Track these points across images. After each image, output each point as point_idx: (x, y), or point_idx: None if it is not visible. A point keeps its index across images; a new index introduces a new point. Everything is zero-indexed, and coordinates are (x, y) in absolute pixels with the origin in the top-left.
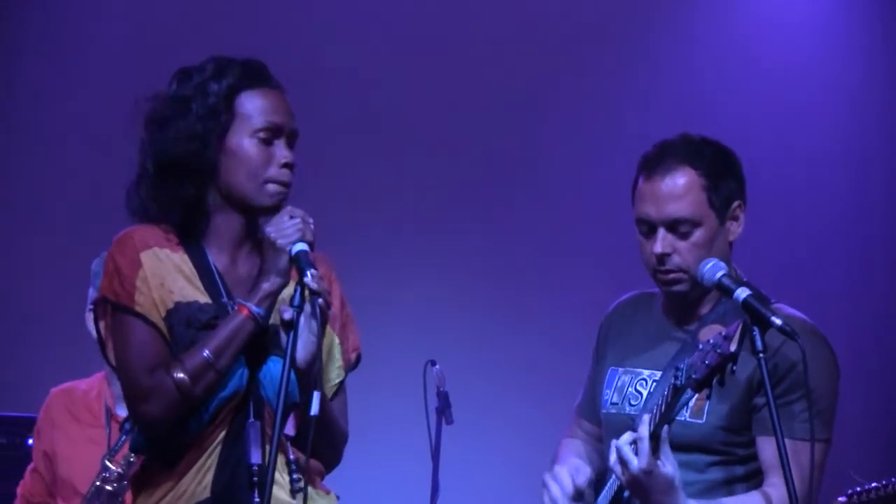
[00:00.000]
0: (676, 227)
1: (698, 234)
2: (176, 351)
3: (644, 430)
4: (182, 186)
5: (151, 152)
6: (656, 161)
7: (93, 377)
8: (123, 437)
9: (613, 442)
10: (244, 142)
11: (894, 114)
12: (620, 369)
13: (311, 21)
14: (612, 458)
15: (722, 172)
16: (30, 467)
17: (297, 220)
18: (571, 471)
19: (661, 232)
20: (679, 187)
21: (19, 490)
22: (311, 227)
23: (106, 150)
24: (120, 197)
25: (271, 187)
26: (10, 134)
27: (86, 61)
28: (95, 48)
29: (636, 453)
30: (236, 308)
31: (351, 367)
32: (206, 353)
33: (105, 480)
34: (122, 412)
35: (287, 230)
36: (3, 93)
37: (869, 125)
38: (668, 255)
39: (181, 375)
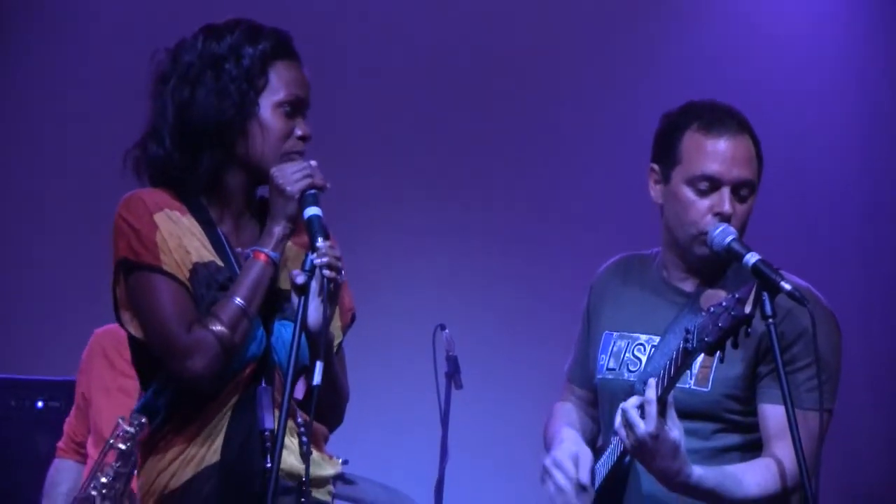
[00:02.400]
0: (739, 189)
1: (751, 201)
2: (202, 311)
3: (651, 393)
4: (206, 151)
5: (176, 111)
6: (720, 121)
7: None
8: None
9: (621, 405)
10: (269, 111)
11: None
12: (615, 334)
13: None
14: (618, 420)
15: (760, 147)
16: (75, 405)
17: (304, 164)
18: (572, 451)
19: (728, 192)
20: (748, 150)
21: (65, 426)
22: (319, 172)
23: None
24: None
25: (289, 159)
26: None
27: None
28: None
29: (642, 417)
30: (252, 255)
31: (347, 326)
32: (237, 300)
33: (118, 438)
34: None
35: (294, 175)
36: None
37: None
38: (731, 215)
39: (219, 327)
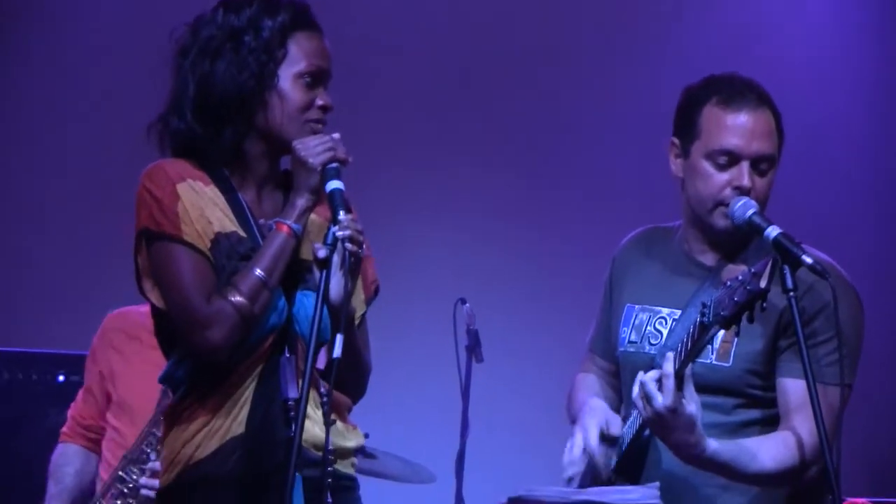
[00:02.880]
0: (759, 163)
1: (771, 175)
2: (219, 282)
3: (669, 367)
4: (224, 120)
5: (196, 84)
6: (740, 94)
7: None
8: None
9: (639, 376)
10: (290, 82)
11: None
12: (637, 307)
13: None
14: (636, 392)
15: (781, 121)
16: (82, 389)
17: (327, 137)
18: (599, 417)
19: (747, 166)
20: (768, 124)
21: (70, 412)
22: (342, 145)
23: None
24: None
25: (310, 128)
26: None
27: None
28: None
29: (660, 390)
30: (275, 227)
31: (371, 298)
32: (258, 272)
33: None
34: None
35: (316, 148)
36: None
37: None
38: (750, 189)
39: (239, 298)
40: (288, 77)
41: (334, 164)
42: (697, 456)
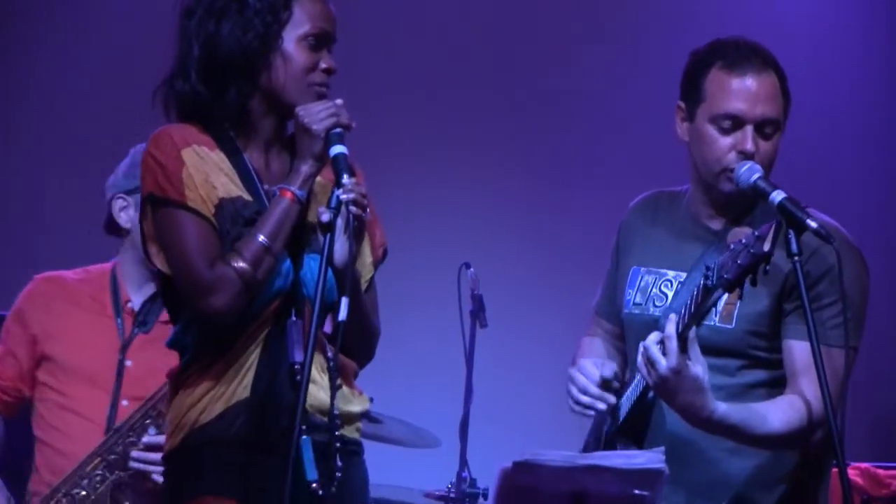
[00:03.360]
0: (763, 127)
1: (776, 138)
2: (223, 247)
3: (671, 328)
4: (232, 84)
5: (201, 45)
6: (745, 58)
7: (79, 270)
8: (136, 331)
9: (641, 342)
10: (294, 44)
11: None
12: (643, 269)
13: None
14: (639, 358)
15: (787, 84)
16: (1, 351)
17: (330, 103)
18: (597, 363)
19: (750, 130)
20: (773, 88)
21: None
22: (345, 111)
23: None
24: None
25: (314, 90)
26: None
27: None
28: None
29: (664, 353)
30: (279, 193)
31: (379, 262)
32: (261, 237)
33: None
34: (136, 305)
35: (319, 114)
36: None
37: None
38: (754, 153)
39: (241, 264)
40: (292, 39)
41: (338, 130)
42: (706, 418)
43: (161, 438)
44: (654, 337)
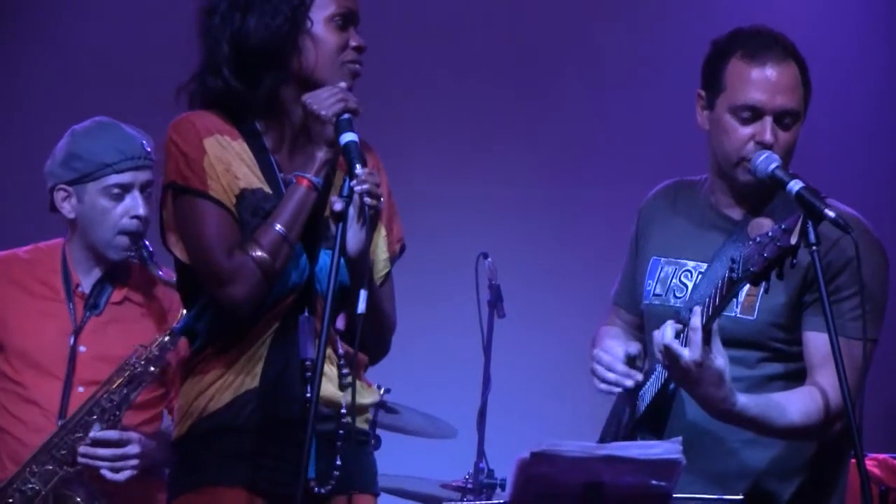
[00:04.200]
0: (782, 118)
1: (796, 129)
2: (245, 237)
3: (697, 321)
4: (262, 70)
5: (229, 40)
6: (765, 47)
7: (31, 247)
8: (88, 315)
9: (660, 339)
10: (322, 25)
11: None
12: (663, 259)
13: None
14: (659, 354)
15: (808, 73)
16: None
17: (336, 88)
18: (621, 342)
19: (769, 121)
20: (793, 78)
21: None
22: (352, 95)
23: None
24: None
25: (348, 68)
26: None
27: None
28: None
29: (684, 345)
30: (295, 181)
31: (396, 256)
32: (278, 227)
33: (133, 365)
34: (86, 288)
35: (327, 100)
36: None
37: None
38: (772, 144)
39: (260, 253)
40: (320, 20)
41: (347, 116)
42: (727, 410)
43: (107, 433)
44: (670, 332)
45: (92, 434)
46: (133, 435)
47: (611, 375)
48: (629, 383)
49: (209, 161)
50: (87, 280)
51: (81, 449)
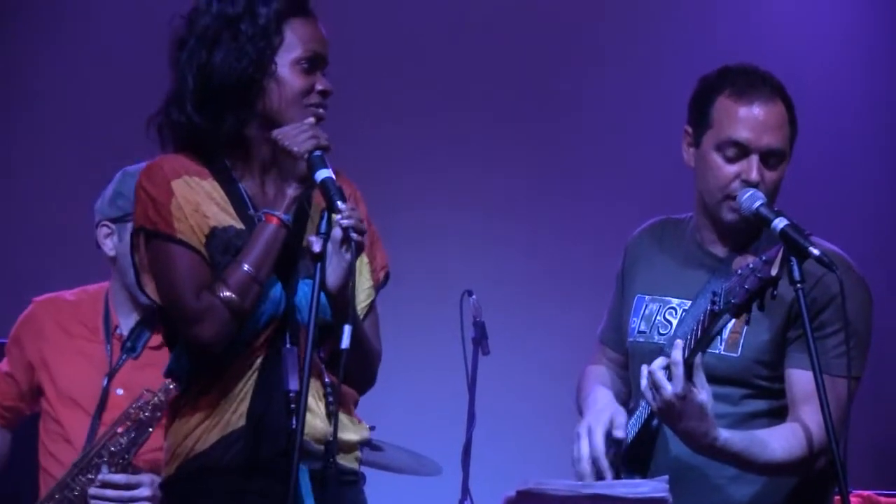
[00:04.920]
0: (768, 157)
1: (781, 168)
2: (214, 276)
3: (678, 354)
4: (225, 109)
5: (195, 75)
6: (754, 86)
7: (78, 290)
8: (124, 357)
9: (646, 367)
10: (287, 68)
11: None
12: (648, 297)
13: None
14: (644, 382)
15: (795, 113)
16: (2, 369)
17: (304, 125)
18: (605, 422)
19: (756, 159)
20: (781, 118)
21: None
22: (322, 132)
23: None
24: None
25: (311, 111)
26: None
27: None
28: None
29: (669, 378)
30: (264, 219)
31: (380, 285)
32: (245, 266)
33: (140, 409)
34: (124, 330)
35: (299, 136)
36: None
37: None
38: (758, 182)
39: (228, 294)
40: (286, 63)
41: (318, 153)
42: (709, 445)
43: (115, 476)
44: (660, 362)
45: (100, 476)
46: (144, 478)
47: (588, 468)
48: (607, 477)
49: (177, 203)
50: (126, 322)
51: (91, 490)
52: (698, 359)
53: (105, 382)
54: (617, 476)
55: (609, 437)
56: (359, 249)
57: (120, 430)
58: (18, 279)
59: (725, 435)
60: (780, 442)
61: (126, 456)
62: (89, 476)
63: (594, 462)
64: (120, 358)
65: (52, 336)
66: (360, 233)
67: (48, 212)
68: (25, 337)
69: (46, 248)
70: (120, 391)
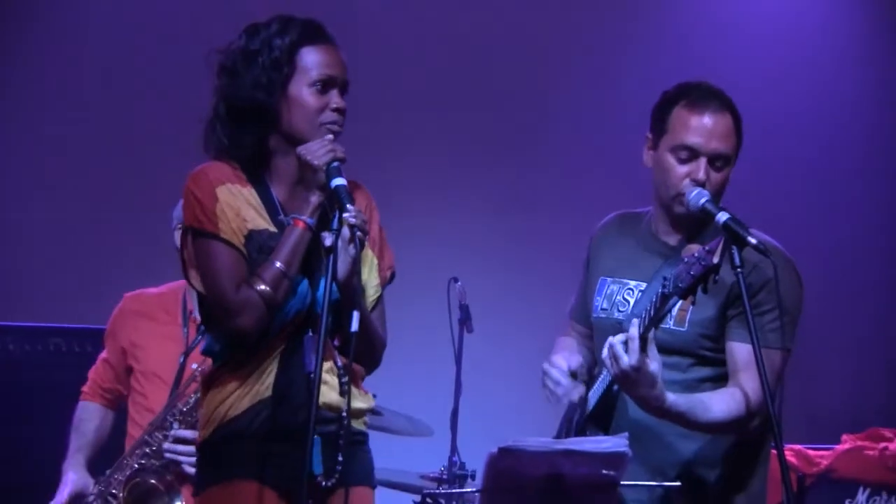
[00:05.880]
0: (715, 160)
1: (727, 171)
2: (250, 272)
3: (634, 331)
4: (248, 129)
5: (223, 98)
6: (706, 98)
7: (164, 285)
8: (199, 338)
9: (609, 339)
10: (303, 90)
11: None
12: (609, 279)
13: None
14: (605, 352)
15: (741, 126)
16: (101, 357)
17: (325, 140)
18: (565, 356)
19: (704, 162)
20: (728, 128)
21: (91, 374)
22: (339, 146)
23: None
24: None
25: (326, 129)
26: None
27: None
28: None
29: (626, 351)
30: (292, 223)
31: (387, 282)
32: (278, 264)
33: (198, 376)
34: (199, 316)
35: (318, 151)
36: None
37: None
38: (705, 181)
39: (263, 287)
40: (301, 86)
41: (335, 164)
42: (659, 407)
43: (184, 432)
44: (619, 337)
45: (172, 432)
46: None
47: (559, 390)
48: (574, 397)
49: (220, 207)
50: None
51: (165, 445)
52: (651, 334)
53: (182, 359)
54: (583, 433)
55: (576, 399)
56: (362, 245)
57: (189, 390)
58: (115, 277)
59: (672, 398)
60: (720, 405)
61: (194, 414)
62: (164, 433)
63: (559, 384)
64: (195, 338)
65: (138, 324)
66: (364, 231)
67: (137, 219)
68: (117, 327)
69: (135, 250)
70: (194, 366)
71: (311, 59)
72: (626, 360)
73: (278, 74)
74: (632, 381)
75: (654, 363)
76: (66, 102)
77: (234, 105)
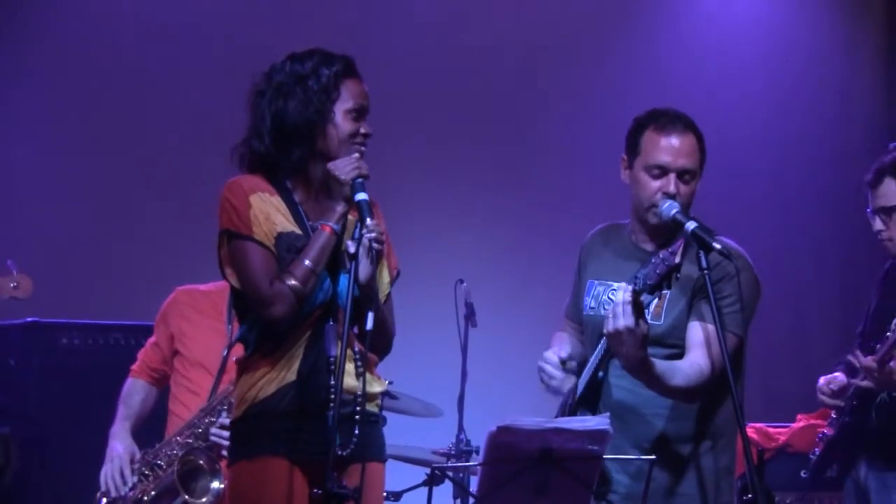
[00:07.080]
0: (683, 175)
1: (693, 184)
2: (281, 269)
3: (625, 296)
4: (294, 143)
5: (272, 117)
6: (672, 122)
7: (211, 283)
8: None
9: (616, 300)
10: (341, 116)
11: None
12: (596, 282)
13: None
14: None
15: (704, 144)
16: (151, 340)
17: (352, 158)
18: (557, 349)
19: (674, 177)
20: (693, 146)
21: (140, 355)
22: (364, 164)
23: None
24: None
25: (356, 149)
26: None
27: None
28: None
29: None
30: (320, 228)
31: (394, 280)
32: (307, 262)
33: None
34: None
35: (346, 167)
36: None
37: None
38: (675, 194)
39: (293, 282)
40: (340, 112)
41: (360, 179)
42: (639, 365)
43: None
44: (627, 297)
45: (219, 420)
46: None
47: (553, 383)
48: (567, 387)
49: (253, 213)
50: None
51: (212, 430)
52: (646, 298)
53: (225, 352)
54: (574, 414)
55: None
56: (378, 255)
57: (234, 387)
58: (165, 274)
59: (652, 360)
60: (682, 372)
61: None
62: (212, 419)
63: (553, 378)
64: (238, 334)
65: (188, 314)
66: (380, 243)
67: (187, 220)
68: (169, 314)
69: (184, 249)
70: (235, 358)
71: (350, 90)
72: (622, 321)
73: (326, 98)
74: (623, 339)
75: (644, 324)
76: (105, 104)
77: (288, 123)
